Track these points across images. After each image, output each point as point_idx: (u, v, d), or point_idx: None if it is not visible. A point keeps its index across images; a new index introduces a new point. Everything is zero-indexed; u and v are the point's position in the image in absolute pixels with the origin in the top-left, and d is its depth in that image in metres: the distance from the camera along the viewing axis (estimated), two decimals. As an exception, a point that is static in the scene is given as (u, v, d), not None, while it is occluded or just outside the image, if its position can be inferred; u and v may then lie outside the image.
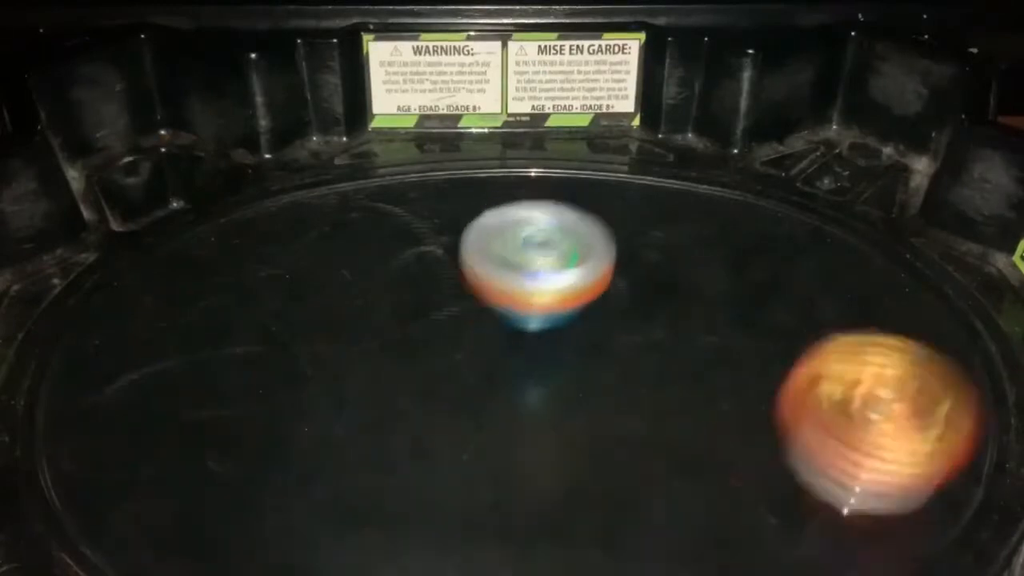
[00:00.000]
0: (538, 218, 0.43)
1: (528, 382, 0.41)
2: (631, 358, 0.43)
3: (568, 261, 0.41)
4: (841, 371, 0.33)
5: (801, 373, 0.33)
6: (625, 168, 0.55)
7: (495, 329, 0.43)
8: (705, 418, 0.40)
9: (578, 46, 0.55)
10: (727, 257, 0.48)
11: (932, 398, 0.32)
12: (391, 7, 0.54)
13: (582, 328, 0.43)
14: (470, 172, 0.53)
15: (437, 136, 0.56)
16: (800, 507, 0.36)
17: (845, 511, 0.32)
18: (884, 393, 0.32)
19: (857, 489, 0.31)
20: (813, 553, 0.35)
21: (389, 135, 0.56)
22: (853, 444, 0.31)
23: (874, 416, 0.32)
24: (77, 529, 0.35)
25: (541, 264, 0.41)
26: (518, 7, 0.54)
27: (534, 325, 0.42)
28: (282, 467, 0.38)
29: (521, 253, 0.42)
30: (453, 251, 0.47)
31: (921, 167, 0.53)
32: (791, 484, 0.37)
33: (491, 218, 0.43)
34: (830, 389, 0.32)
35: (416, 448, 0.39)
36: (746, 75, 0.53)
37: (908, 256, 0.48)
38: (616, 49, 0.55)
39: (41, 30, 0.52)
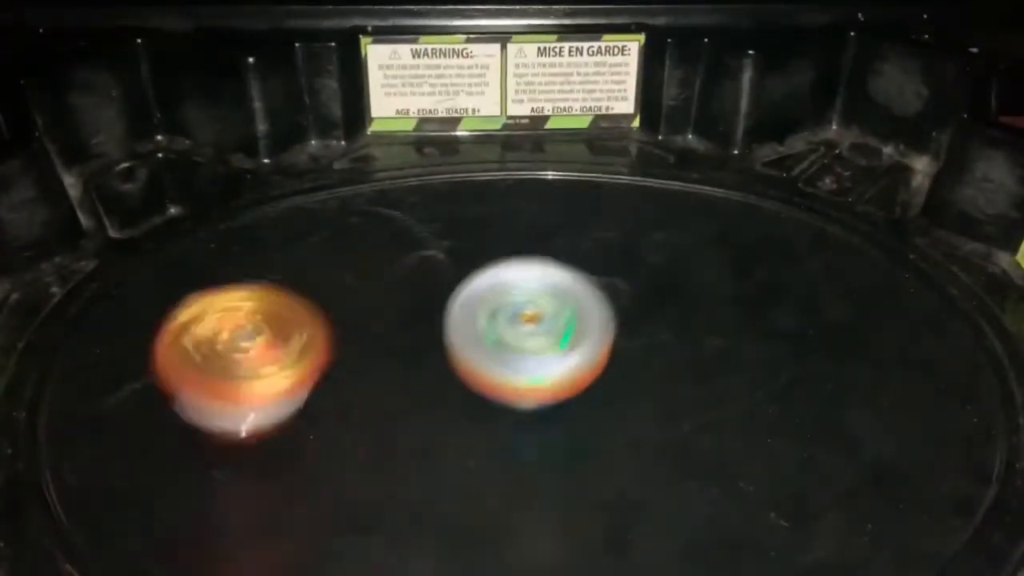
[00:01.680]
0: (527, 282, 0.40)
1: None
2: (634, 360, 0.43)
3: (562, 338, 0.38)
4: (204, 319, 0.37)
5: (167, 329, 0.37)
6: (625, 170, 0.54)
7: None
8: (711, 420, 0.40)
9: (577, 48, 0.54)
10: (729, 259, 0.48)
11: (288, 328, 0.37)
12: (389, 9, 0.54)
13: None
14: (470, 175, 0.53)
15: (436, 139, 0.56)
16: (810, 510, 0.36)
17: (242, 432, 0.36)
18: (246, 329, 0.37)
19: (245, 413, 0.36)
20: (823, 556, 0.35)
21: (388, 139, 0.55)
22: (231, 376, 0.36)
23: (242, 346, 0.37)
24: (82, 541, 0.34)
25: (532, 347, 0.38)
26: (517, 8, 0.54)
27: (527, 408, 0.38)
28: (286, 474, 0.38)
29: (510, 330, 0.38)
30: (454, 255, 0.47)
31: (922, 167, 0.53)
32: (803, 487, 0.37)
33: (477, 286, 0.39)
34: (197, 335, 0.37)
35: (421, 454, 0.38)
36: (746, 76, 0.53)
37: (911, 256, 0.47)
38: (615, 51, 0.55)
39: (39, 30, 0.52)
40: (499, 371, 0.37)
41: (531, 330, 0.38)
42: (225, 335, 0.37)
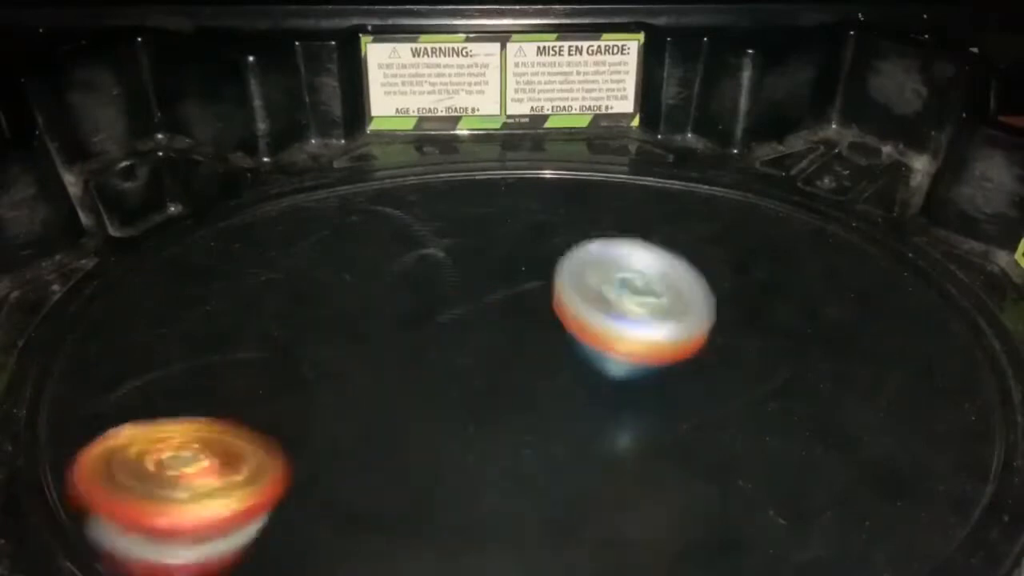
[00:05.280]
0: (641, 260, 0.41)
1: (532, 386, 0.41)
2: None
3: (663, 314, 0.39)
4: (138, 445, 0.32)
5: (90, 448, 0.32)
6: (625, 169, 0.55)
7: (498, 332, 0.43)
8: (710, 418, 0.40)
9: (577, 47, 0.55)
10: (728, 258, 0.48)
11: (237, 455, 0.33)
12: (389, 8, 0.54)
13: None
14: (469, 174, 0.53)
15: (436, 138, 0.56)
16: (808, 508, 0.36)
17: (177, 563, 0.30)
18: (187, 453, 0.32)
19: (179, 542, 0.30)
20: (821, 554, 0.35)
21: (388, 137, 0.56)
22: (164, 496, 0.30)
23: (181, 469, 0.31)
24: (82, 538, 0.34)
25: (634, 311, 0.39)
26: (517, 8, 0.54)
27: (614, 371, 0.40)
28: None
29: (616, 293, 0.40)
30: (454, 254, 0.47)
31: (921, 166, 0.53)
32: (801, 485, 0.37)
33: (592, 249, 0.41)
34: (127, 456, 0.32)
35: (420, 452, 0.38)
36: (745, 75, 0.53)
37: (910, 255, 0.48)
38: (615, 50, 0.55)
39: (39, 30, 0.52)
40: (598, 321, 0.38)
41: (633, 297, 0.40)
42: (163, 457, 0.32)
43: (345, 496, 0.37)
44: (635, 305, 0.40)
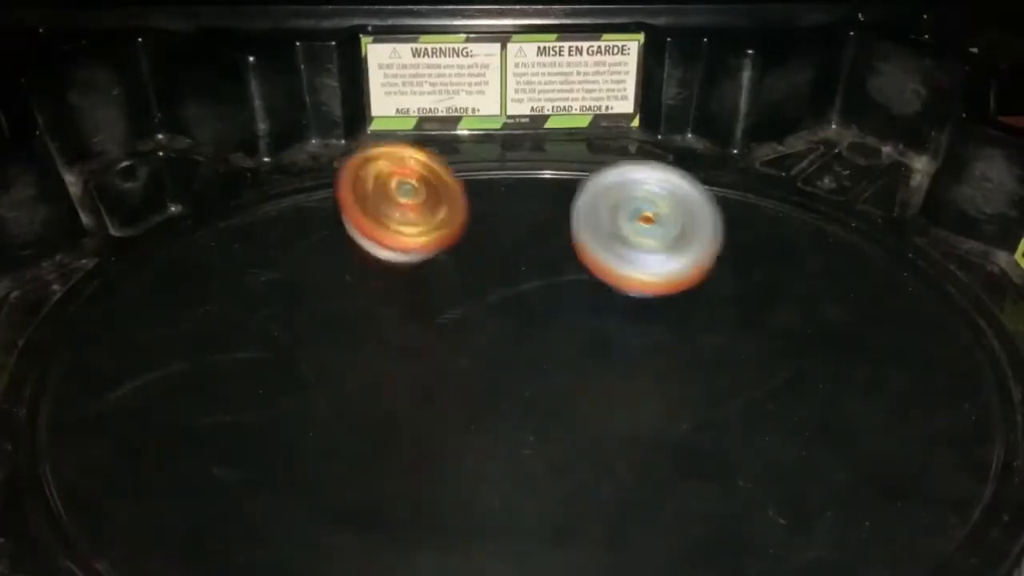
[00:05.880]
0: (652, 185, 0.44)
1: (532, 385, 0.41)
2: (635, 359, 0.43)
3: (673, 244, 0.42)
4: (385, 160, 0.45)
5: (354, 160, 0.44)
6: (625, 169, 0.55)
7: (497, 333, 0.43)
8: (710, 418, 0.40)
9: (577, 47, 0.55)
10: (729, 257, 0.47)
11: (440, 196, 0.44)
12: (389, 8, 0.54)
13: (587, 330, 0.43)
14: (470, 174, 0.53)
15: (436, 138, 0.56)
16: (808, 508, 0.36)
17: (381, 257, 0.44)
18: (408, 183, 0.44)
19: (387, 247, 0.43)
20: (821, 553, 0.35)
21: (388, 138, 0.55)
22: (386, 216, 0.43)
23: (402, 200, 0.44)
24: (82, 537, 0.34)
25: (646, 244, 0.42)
26: (517, 8, 0.54)
27: (631, 296, 0.43)
28: (286, 473, 0.38)
29: (629, 226, 0.43)
30: (454, 254, 0.47)
31: (921, 166, 0.53)
32: (801, 485, 0.37)
33: (606, 179, 0.44)
34: (374, 174, 0.44)
35: (420, 453, 0.39)
36: (745, 75, 0.53)
37: (910, 255, 0.48)
38: (615, 50, 0.55)
39: (40, 30, 0.52)
40: (613, 261, 0.42)
41: (646, 229, 0.43)
42: (392, 183, 0.44)
43: (345, 496, 0.37)
44: (646, 238, 0.43)
